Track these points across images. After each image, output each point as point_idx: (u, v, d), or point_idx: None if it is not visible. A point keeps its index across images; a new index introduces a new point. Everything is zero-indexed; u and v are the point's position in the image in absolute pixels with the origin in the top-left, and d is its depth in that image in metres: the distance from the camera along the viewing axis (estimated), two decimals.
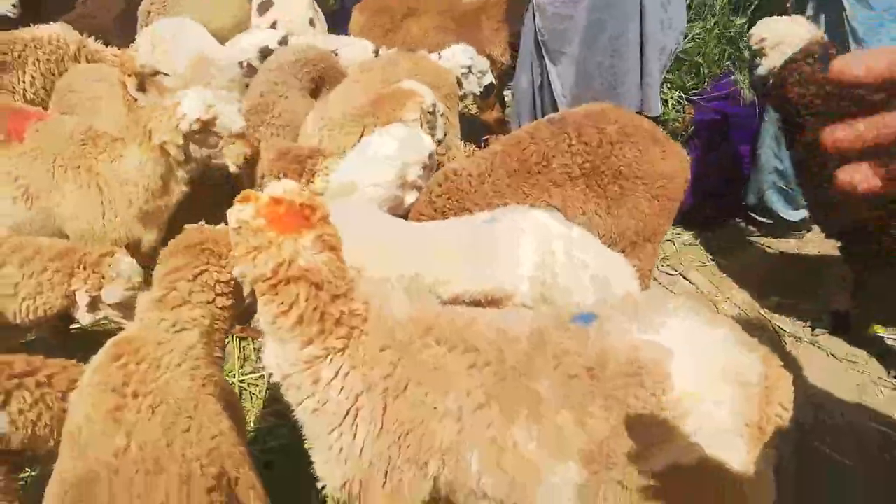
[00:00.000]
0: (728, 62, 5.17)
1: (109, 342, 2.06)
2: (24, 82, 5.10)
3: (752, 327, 1.95)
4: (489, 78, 4.94)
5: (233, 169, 3.63)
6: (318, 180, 3.45)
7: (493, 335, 1.98)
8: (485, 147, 5.78)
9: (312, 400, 1.97)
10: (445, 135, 3.99)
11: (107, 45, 5.42)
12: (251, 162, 3.70)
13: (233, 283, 2.20)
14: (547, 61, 4.45)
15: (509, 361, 1.91)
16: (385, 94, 3.88)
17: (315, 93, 4.55)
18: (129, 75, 4.35)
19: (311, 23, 5.48)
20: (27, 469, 2.67)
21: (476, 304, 2.58)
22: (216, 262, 2.22)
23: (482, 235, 2.70)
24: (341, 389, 1.93)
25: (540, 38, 4.41)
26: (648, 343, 1.85)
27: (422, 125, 3.72)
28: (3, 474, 1.82)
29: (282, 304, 1.88)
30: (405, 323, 2.01)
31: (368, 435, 1.93)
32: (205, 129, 3.43)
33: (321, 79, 4.57)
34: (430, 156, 3.43)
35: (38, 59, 5.10)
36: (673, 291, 4.46)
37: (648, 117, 3.76)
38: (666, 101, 4.96)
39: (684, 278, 4.61)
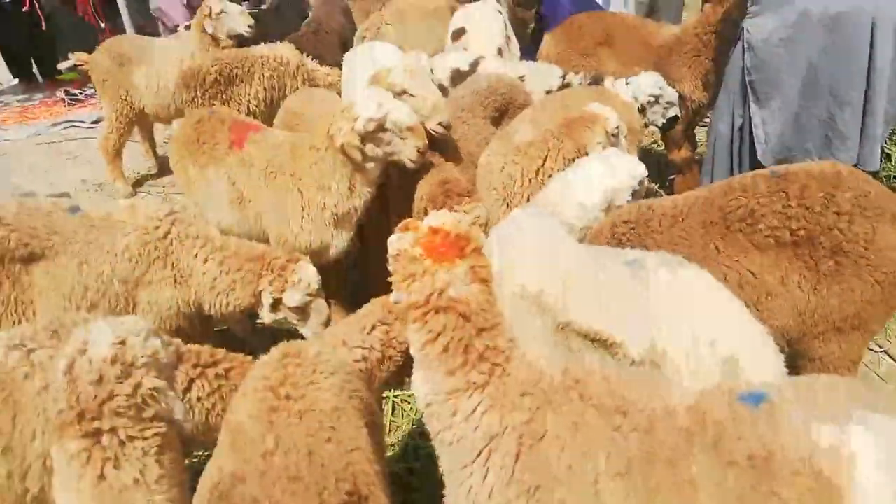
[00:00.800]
0: None
1: (281, 345, 2.24)
2: (248, 94, 5.76)
3: None
4: (675, 111, 4.71)
5: (409, 164, 3.76)
6: None
7: (648, 402, 1.85)
8: (670, 186, 5.55)
9: (450, 433, 1.99)
10: None
11: (324, 65, 5.93)
12: (425, 153, 3.80)
13: (405, 345, 2.33)
14: (752, 103, 4.13)
15: (661, 436, 1.76)
16: (571, 117, 3.92)
17: (498, 120, 4.61)
18: None
19: (500, 52, 5.57)
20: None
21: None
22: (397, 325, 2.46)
23: (622, 278, 2.60)
24: (477, 427, 1.93)
25: (747, 78, 4.10)
26: (828, 442, 1.59)
27: (604, 148, 3.74)
28: (172, 460, 2.03)
29: (430, 332, 1.93)
30: (552, 372, 1.95)
31: (499, 480, 1.89)
32: (379, 128, 3.59)
33: (506, 108, 4.63)
34: (641, 182, 3.42)
35: (262, 75, 5.73)
36: (875, 373, 3.89)
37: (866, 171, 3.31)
38: (889, 154, 4.38)
39: (890, 358, 4.01)
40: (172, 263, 3.36)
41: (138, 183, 6.56)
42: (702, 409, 1.78)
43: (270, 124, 4.82)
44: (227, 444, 1.92)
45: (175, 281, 3.39)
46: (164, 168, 6.53)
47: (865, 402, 1.66)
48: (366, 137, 3.60)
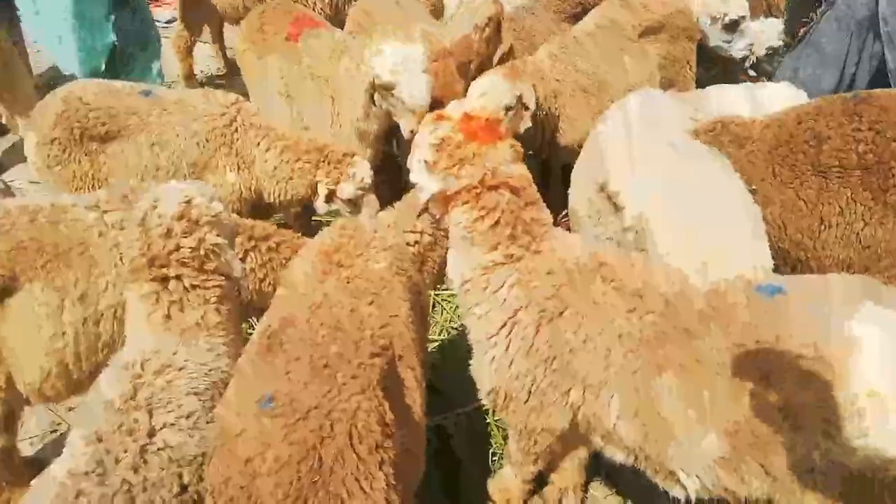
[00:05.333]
0: None
1: (340, 220, 2.41)
2: None
3: None
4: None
5: (406, 134, 3.60)
6: None
7: (668, 286, 1.95)
8: None
9: (480, 307, 2.14)
10: None
11: None
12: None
13: None
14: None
15: (675, 317, 1.87)
16: None
17: (578, 18, 4.45)
18: None
19: None
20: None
21: None
22: None
23: (657, 155, 2.66)
24: (504, 301, 2.07)
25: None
26: (833, 329, 1.68)
27: None
28: (230, 312, 2.22)
29: (483, 208, 2.06)
30: (580, 254, 2.06)
31: (519, 350, 2.04)
32: (385, 90, 3.51)
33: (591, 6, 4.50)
34: None
35: None
36: None
37: None
38: None
39: None
40: (237, 150, 3.54)
41: (207, 83, 6.74)
42: (718, 295, 1.88)
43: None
44: (282, 297, 2.13)
45: (238, 167, 3.58)
46: (231, 70, 6.71)
47: (875, 298, 1.71)
48: (375, 88, 3.55)
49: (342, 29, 4.55)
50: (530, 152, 3.39)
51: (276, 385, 1.68)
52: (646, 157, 2.61)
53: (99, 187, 3.48)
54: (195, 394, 1.87)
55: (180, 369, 1.91)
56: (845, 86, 3.89)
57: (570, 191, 3.09)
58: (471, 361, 2.25)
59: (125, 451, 1.69)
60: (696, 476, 1.84)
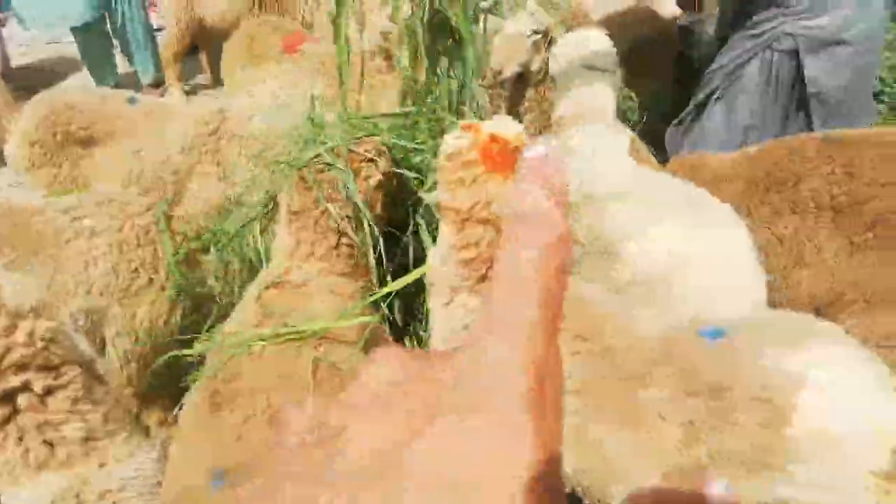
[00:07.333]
0: None
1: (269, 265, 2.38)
2: (302, 11, 5.80)
3: None
4: None
5: None
6: None
7: (617, 331, 1.98)
8: None
9: (440, 299, 2.10)
10: None
11: None
12: None
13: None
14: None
15: (621, 361, 1.90)
16: None
17: None
18: None
19: None
20: None
21: None
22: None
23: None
24: (466, 320, 2.05)
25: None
26: (779, 367, 1.71)
27: None
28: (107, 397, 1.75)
29: (463, 239, 1.97)
30: None
31: None
32: None
33: None
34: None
35: None
36: None
37: None
38: None
39: None
40: (218, 161, 3.58)
41: (193, 91, 6.72)
42: (671, 342, 1.91)
43: None
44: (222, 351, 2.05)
45: (219, 178, 3.61)
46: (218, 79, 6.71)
47: (818, 334, 1.79)
48: None
49: None
50: None
51: (226, 454, 1.59)
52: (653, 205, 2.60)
53: (80, 192, 3.51)
54: None
55: (121, 490, 1.59)
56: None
57: None
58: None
59: None
60: None
